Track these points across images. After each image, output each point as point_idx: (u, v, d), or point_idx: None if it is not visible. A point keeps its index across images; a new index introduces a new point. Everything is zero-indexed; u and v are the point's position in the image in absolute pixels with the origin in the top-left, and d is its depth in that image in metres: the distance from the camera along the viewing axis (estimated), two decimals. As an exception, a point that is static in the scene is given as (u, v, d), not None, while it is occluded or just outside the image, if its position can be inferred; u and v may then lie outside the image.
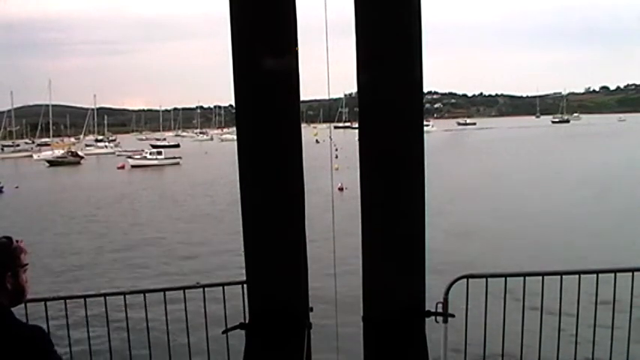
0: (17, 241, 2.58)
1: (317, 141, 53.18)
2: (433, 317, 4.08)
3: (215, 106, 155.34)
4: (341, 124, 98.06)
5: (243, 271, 3.77)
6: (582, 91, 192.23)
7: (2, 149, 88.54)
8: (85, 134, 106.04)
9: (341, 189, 25.74)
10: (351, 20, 3.49)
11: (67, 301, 5.01)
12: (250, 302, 3.82)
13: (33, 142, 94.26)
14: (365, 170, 3.65)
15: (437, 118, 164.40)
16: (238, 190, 3.65)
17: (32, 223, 29.74)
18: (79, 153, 76.84)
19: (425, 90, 3.86)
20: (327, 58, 3.90)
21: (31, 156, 76.19)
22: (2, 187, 43.72)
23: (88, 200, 38.66)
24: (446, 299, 4.51)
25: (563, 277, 4.82)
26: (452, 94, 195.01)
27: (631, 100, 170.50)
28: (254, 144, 3.63)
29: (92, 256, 23.18)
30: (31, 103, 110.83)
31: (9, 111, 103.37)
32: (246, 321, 3.84)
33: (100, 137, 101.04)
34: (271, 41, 3.54)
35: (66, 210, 34.80)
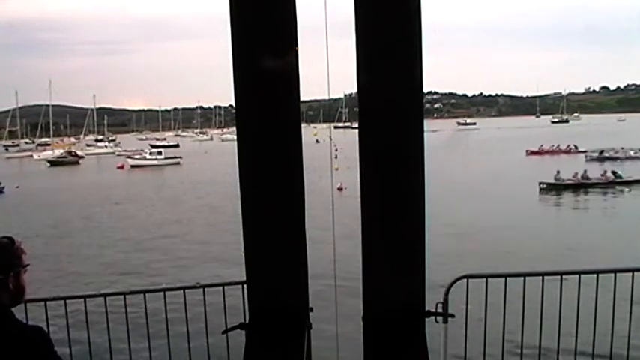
0: (18, 242, 2.58)
1: (317, 141, 53.19)
2: (433, 317, 4.08)
3: (215, 106, 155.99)
4: (341, 124, 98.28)
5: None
6: (582, 91, 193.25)
7: (7, 149, 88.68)
8: (85, 134, 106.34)
9: (340, 189, 25.75)
10: (351, 20, 3.49)
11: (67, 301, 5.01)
12: (250, 302, 3.82)
13: (33, 142, 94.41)
14: (365, 170, 3.65)
15: (437, 118, 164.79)
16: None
17: (45, 222, 30.13)
18: (79, 153, 77.04)
19: (425, 90, 3.87)
20: (327, 58, 3.91)
21: (31, 156, 76.20)
22: (3, 188, 43.68)
23: (103, 199, 38.85)
24: (446, 299, 4.50)
25: (564, 277, 4.83)
26: (452, 94, 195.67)
27: (631, 100, 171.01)
28: (254, 144, 3.63)
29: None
30: (31, 103, 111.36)
31: (9, 111, 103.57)
32: (246, 321, 3.84)
33: (100, 137, 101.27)
34: (271, 41, 3.54)
35: (80, 209, 34.86)
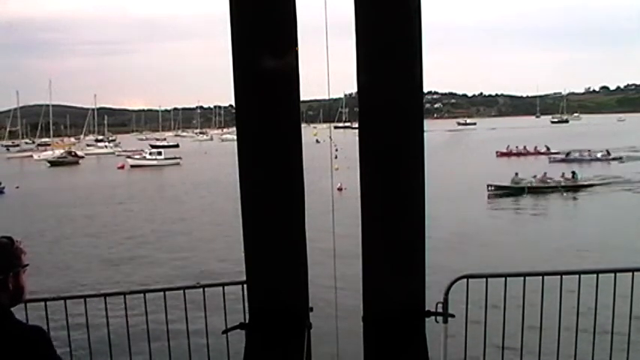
0: (17, 242, 2.58)
1: (317, 141, 53.18)
2: (433, 317, 4.08)
3: (215, 106, 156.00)
4: (341, 124, 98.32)
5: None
6: (582, 91, 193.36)
7: (8, 149, 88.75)
8: (85, 134, 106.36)
9: (340, 189, 25.73)
10: (351, 20, 3.49)
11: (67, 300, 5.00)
12: (250, 302, 3.82)
13: (33, 142, 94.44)
14: (365, 170, 3.65)
15: (437, 118, 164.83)
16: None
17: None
18: (79, 153, 77.08)
19: (425, 90, 3.86)
20: (327, 58, 3.91)
21: (31, 156, 76.16)
22: (3, 188, 43.62)
23: (106, 198, 39.01)
24: (446, 299, 4.50)
25: (563, 277, 4.82)
26: (452, 94, 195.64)
27: (631, 100, 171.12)
28: (254, 144, 3.63)
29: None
30: (31, 103, 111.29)
31: (9, 111, 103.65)
32: (246, 321, 3.84)
33: (100, 137, 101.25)
34: (271, 41, 3.54)
35: (83, 209, 34.91)
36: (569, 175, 36.30)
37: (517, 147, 60.47)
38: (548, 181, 35.48)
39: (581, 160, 49.23)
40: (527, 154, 58.68)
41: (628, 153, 54.26)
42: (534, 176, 35.76)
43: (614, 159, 50.44)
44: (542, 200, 33.06)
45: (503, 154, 58.10)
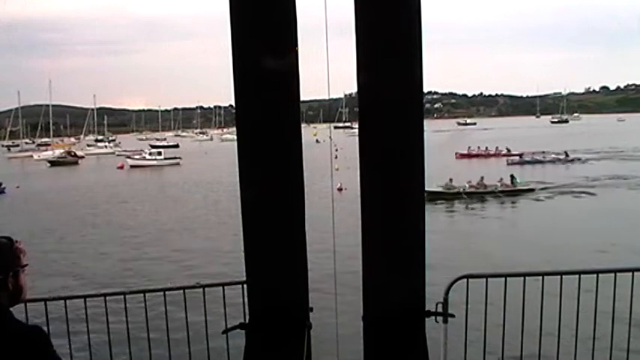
0: (17, 242, 2.58)
1: (317, 141, 53.21)
2: (433, 317, 4.07)
3: (215, 106, 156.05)
4: (341, 124, 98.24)
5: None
6: (582, 91, 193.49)
7: (9, 149, 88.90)
8: (85, 134, 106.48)
9: (340, 189, 25.73)
10: (351, 20, 3.49)
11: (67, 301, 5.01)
12: (250, 302, 3.82)
13: (33, 142, 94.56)
14: (365, 170, 3.65)
15: (437, 118, 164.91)
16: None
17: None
18: (79, 153, 77.20)
19: (425, 90, 3.86)
20: (327, 58, 3.90)
21: (31, 156, 76.24)
22: (4, 188, 43.63)
23: (107, 197, 39.07)
24: (446, 299, 4.51)
25: (563, 277, 4.83)
26: (452, 94, 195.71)
27: (631, 100, 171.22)
28: (254, 144, 3.63)
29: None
30: (31, 103, 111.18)
31: (9, 111, 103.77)
32: (246, 321, 3.84)
33: (100, 137, 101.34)
34: (271, 41, 3.54)
35: (85, 208, 34.88)
36: (508, 180, 35.57)
37: (485, 148, 60.00)
38: (485, 186, 34.59)
39: (540, 162, 48.89)
40: (487, 155, 58.04)
41: (633, 153, 54.11)
42: (469, 182, 34.88)
43: (572, 160, 49.92)
44: (475, 206, 32.45)
45: (462, 156, 57.27)
